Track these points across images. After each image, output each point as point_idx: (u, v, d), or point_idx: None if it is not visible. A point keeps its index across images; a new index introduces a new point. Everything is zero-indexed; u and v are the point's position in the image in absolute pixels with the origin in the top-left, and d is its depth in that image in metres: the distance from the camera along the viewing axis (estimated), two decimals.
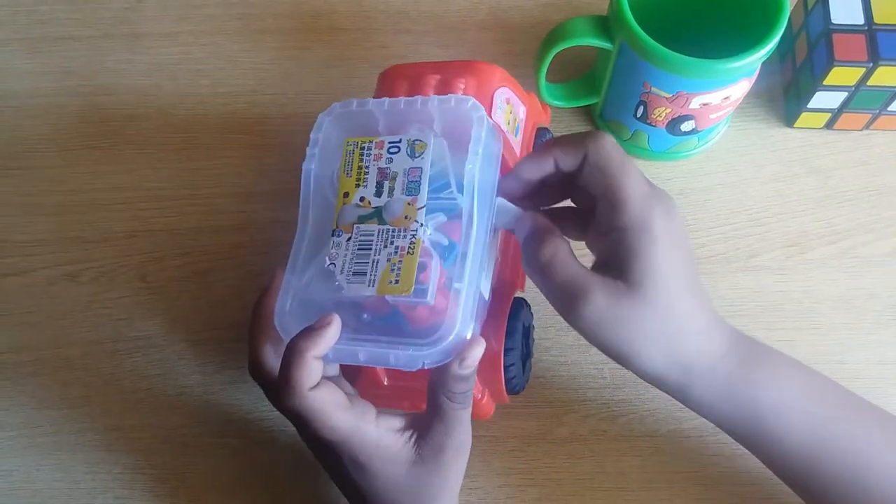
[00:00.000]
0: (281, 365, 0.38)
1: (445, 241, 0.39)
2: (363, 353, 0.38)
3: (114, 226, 0.55)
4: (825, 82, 0.53)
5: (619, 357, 0.38)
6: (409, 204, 0.40)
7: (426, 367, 0.38)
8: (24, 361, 0.52)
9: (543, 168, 0.39)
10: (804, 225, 0.55)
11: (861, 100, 0.54)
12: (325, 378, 0.39)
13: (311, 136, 0.43)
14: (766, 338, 0.51)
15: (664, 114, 0.52)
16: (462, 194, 0.39)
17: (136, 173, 0.57)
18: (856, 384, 0.50)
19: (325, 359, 0.38)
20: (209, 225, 0.55)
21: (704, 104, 0.50)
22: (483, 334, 0.41)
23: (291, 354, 0.37)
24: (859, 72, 0.52)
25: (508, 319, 0.45)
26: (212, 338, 0.52)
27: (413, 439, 0.40)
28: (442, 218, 0.40)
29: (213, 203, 0.56)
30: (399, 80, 0.47)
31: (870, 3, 0.53)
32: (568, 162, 0.39)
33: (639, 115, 0.53)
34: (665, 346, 0.38)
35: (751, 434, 0.41)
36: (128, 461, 0.50)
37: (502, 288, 0.46)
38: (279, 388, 0.38)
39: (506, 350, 0.45)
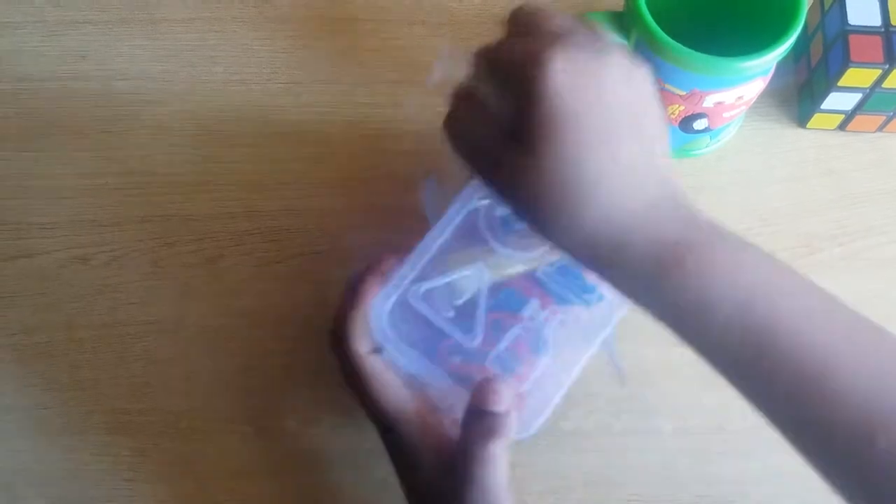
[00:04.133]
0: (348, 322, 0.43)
1: (550, 340, 0.42)
2: (436, 390, 0.41)
3: (126, 210, 0.55)
4: (840, 83, 0.53)
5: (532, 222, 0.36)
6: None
7: None
8: (34, 343, 0.52)
9: None
10: (815, 226, 0.55)
11: (876, 102, 0.54)
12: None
13: None
14: None
15: (677, 111, 0.52)
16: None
17: (150, 159, 0.57)
18: None
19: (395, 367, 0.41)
20: (221, 212, 0.55)
21: (718, 103, 0.50)
22: None
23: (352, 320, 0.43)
24: (875, 73, 0.52)
25: None
26: (222, 325, 0.52)
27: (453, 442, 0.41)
28: (569, 318, 0.42)
29: (226, 190, 0.56)
30: None
31: (887, 4, 0.53)
32: None
33: None
34: (563, 204, 0.34)
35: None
36: (135, 445, 0.50)
37: None
38: (343, 341, 0.43)
39: None
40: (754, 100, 0.53)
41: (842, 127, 0.57)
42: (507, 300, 0.42)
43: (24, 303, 0.53)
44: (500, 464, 0.39)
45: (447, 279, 0.41)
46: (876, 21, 0.53)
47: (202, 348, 0.52)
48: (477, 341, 0.41)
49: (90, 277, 0.54)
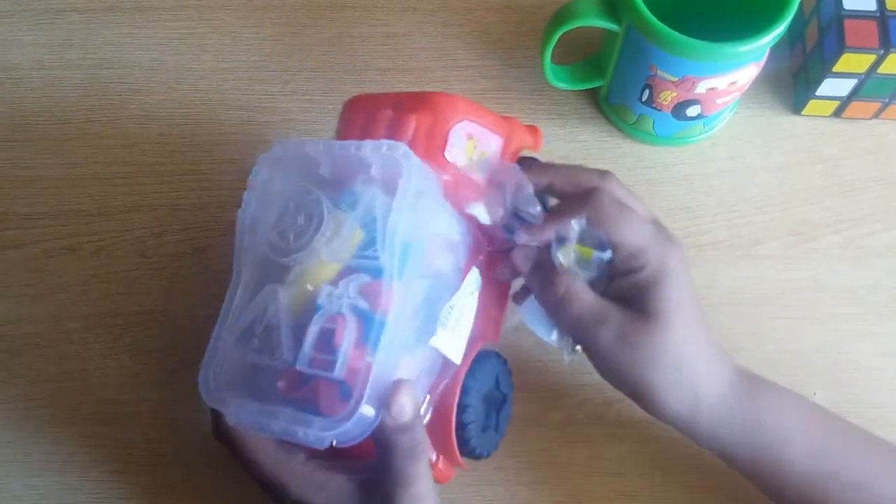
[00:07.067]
0: None
1: (365, 306, 0.36)
2: (276, 425, 0.36)
3: (114, 200, 0.55)
4: (835, 69, 0.52)
5: (632, 387, 0.41)
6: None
7: (337, 446, 0.35)
8: (22, 334, 0.52)
9: (544, 241, 0.41)
10: (809, 214, 0.55)
11: (871, 88, 0.54)
12: None
13: (249, 179, 0.41)
14: (768, 327, 0.51)
15: (670, 98, 0.51)
16: (382, 253, 0.36)
17: (137, 148, 0.56)
18: (856, 375, 0.50)
19: (238, 424, 0.38)
20: (209, 201, 0.55)
21: (711, 89, 0.50)
22: (440, 393, 0.41)
23: None
24: (870, 59, 0.52)
25: (469, 375, 0.42)
26: (210, 314, 0.51)
27: (360, 482, 0.39)
28: (365, 279, 0.36)
29: (213, 179, 0.55)
30: (358, 112, 0.43)
31: None
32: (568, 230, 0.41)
33: (644, 99, 0.52)
34: (676, 375, 0.40)
35: (755, 463, 0.42)
36: (123, 435, 0.50)
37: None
38: (212, 421, 0.41)
39: (461, 407, 0.42)
40: (748, 86, 0.52)
41: (837, 114, 0.57)
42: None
43: (11, 293, 0.53)
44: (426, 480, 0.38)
45: (247, 315, 0.39)
46: (871, 5, 0.52)
47: (189, 338, 0.51)
48: (284, 355, 0.37)
49: (78, 268, 0.53)
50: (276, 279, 0.38)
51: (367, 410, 0.35)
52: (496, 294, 0.45)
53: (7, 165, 0.56)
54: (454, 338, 0.41)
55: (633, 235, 0.40)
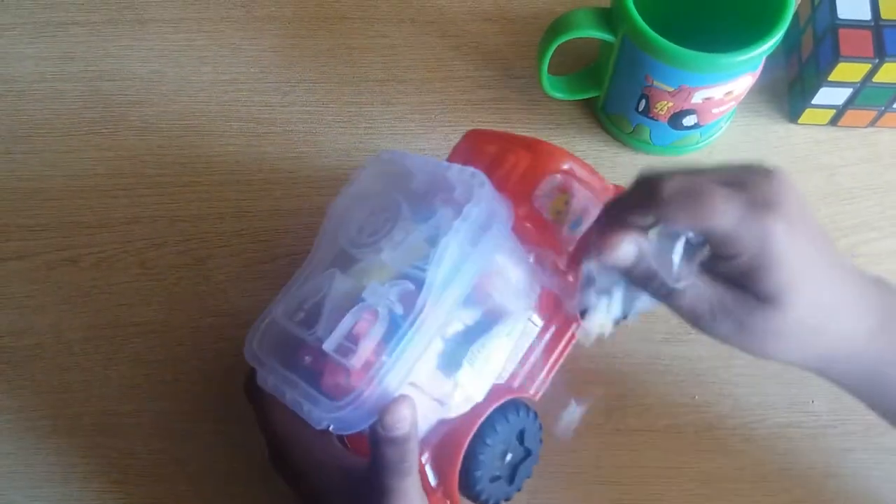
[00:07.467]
0: None
1: (399, 311, 0.37)
2: (290, 394, 0.38)
3: (115, 212, 0.55)
4: (830, 78, 0.53)
5: (754, 354, 0.38)
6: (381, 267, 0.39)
7: (333, 432, 0.37)
8: (23, 346, 0.52)
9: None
10: None
11: (866, 96, 0.54)
12: None
13: (352, 176, 0.43)
14: None
15: (666, 108, 0.51)
16: (430, 267, 0.37)
17: (138, 159, 0.57)
18: None
19: (263, 386, 0.39)
20: (209, 212, 0.55)
21: (707, 98, 0.50)
22: (454, 429, 0.41)
23: None
24: (865, 68, 0.52)
25: (487, 421, 0.42)
26: (210, 325, 0.52)
27: (355, 479, 0.39)
28: (409, 286, 0.38)
29: (214, 190, 0.56)
30: (469, 142, 0.46)
31: None
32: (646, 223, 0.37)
33: (640, 109, 0.52)
34: (804, 342, 0.37)
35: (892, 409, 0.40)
36: (124, 446, 0.50)
37: (497, 387, 0.43)
38: (246, 377, 0.42)
39: (470, 450, 0.41)
40: (744, 95, 0.52)
41: (833, 122, 0.57)
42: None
43: (12, 305, 0.53)
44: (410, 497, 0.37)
45: (305, 290, 0.40)
46: (866, 15, 0.52)
47: (190, 349, 0.52)
48: (318, 333, 0.38)
49: (79, 279, 0.54)
50: (342, 267, 0.40)
51: (364, 406, 0.36)
52: (546, 352, 0.45)
53: (9, 177, 0.56)
54: (478, 376, 0.41)
55: (714, 224, 0.35)
